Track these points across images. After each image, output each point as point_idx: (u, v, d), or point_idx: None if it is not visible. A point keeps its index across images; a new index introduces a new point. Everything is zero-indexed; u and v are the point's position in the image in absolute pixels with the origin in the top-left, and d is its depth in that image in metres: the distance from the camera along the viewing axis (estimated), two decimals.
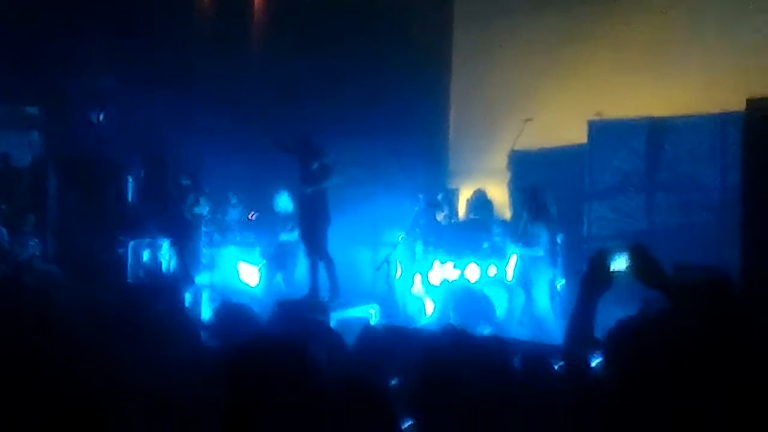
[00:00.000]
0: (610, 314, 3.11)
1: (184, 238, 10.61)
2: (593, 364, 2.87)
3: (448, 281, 9.18)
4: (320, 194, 8.66)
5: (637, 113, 9.87)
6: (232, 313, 4.62)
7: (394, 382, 3.35)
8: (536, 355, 3.55)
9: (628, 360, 2.74)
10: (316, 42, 11.84)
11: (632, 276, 3.02)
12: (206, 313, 8.26)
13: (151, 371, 3.79)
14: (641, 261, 3.03)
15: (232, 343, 3.90)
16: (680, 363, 2.70)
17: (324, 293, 8.76)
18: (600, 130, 10.05)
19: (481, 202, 10.46)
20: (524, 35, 11.35)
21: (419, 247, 10.03)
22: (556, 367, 3.39)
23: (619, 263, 3.03)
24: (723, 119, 8.98)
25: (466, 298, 8.59)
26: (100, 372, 3.68)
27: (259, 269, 10.81)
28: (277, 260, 10.63)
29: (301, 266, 9.87)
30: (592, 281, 3.06)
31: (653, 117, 9.77)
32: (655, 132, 9.73)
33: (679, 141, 9.55)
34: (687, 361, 2.70)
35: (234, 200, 11.44)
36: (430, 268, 9.33)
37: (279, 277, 10.63)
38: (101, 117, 11.65)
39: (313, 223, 8.71)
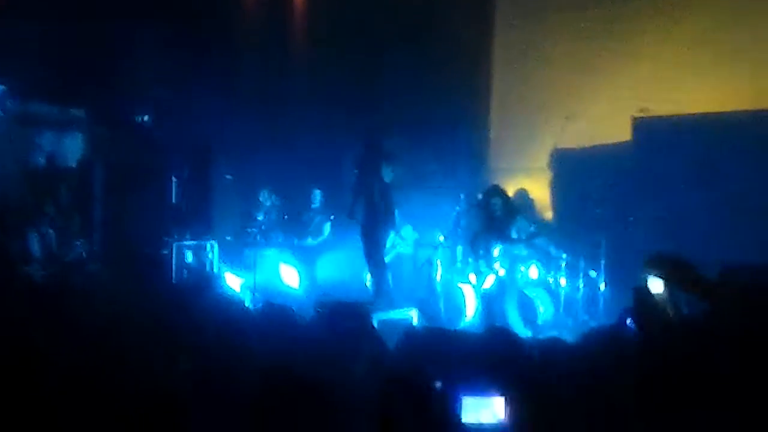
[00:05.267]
0: None
1: (228, 239, 10.67)
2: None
3: (489, 283, 9.07)
4: (390, 198, 8.69)
5: (682, 110, 9.70)
6: (274, 314, 4.63)
7: (437, 383, 3.32)
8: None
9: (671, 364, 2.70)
10: (356, 41, 11.81)
11: (677, 289, 3.00)
12: (250, 314, 8.28)
13: (195, 371, 3.81)
14: (679, 275, 3.01)
15: (274, 346, 3.91)
16: (724, 363, 2.66)
17: (367, 295, 8.72)
18: (645, 127, 9.89)
19: (523, 202, 10.33)
20: (567, 31, 11.22)
21: (460, 248, 9.93)
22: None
23: (659, 286, 3.01)
24: None
25: (507, 300, 8.49)
26: (144, 370, 3.72)
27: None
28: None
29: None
30: (647, 320, 3.05)
31: (699, 113, 9.58)
32: (702, 128, 9.54)
33: (727, 137, 9.35)
34: (731, 360, 2.66)
35: (276, 201, 11.39)
36: (471, 270, 9.22)
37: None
38: (145, 118, 11.77)
39: (377, 226, 8.63)
